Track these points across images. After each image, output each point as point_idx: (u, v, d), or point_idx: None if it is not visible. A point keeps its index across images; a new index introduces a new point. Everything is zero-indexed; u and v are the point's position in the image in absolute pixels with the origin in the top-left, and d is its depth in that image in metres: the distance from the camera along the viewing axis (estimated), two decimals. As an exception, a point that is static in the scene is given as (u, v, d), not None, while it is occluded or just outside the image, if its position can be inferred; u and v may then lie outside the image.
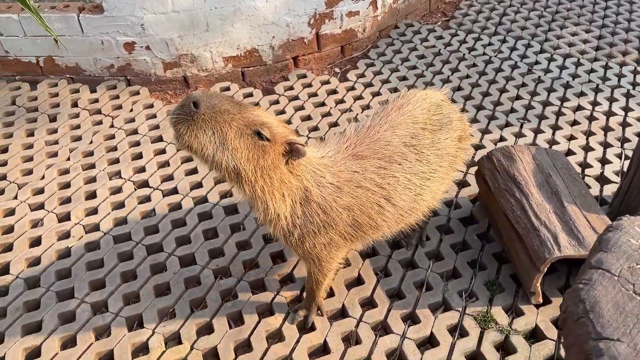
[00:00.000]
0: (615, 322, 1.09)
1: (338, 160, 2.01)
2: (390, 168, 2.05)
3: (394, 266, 2.56)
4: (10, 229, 2.79)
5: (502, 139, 3.34)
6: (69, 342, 2.29)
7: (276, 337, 2.31)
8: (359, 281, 2.53)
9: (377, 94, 3.80)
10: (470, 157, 2.99)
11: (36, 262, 2.62)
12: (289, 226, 1.92)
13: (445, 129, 2.22)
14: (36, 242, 2.73)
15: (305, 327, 2.31)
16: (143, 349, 2.27)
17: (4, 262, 2.61)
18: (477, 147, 3.27)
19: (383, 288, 2.46)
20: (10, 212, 2.89)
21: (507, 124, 3.47)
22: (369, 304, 2.44)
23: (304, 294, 2.41)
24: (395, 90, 3.83)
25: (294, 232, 1.94)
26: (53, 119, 3.59)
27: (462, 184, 3.01)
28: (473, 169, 3.05)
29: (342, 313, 2.40)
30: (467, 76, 3.97)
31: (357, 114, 3.57)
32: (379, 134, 2.11)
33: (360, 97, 3.77)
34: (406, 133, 2.12)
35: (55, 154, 3.29)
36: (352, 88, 3.88)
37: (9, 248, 2.69)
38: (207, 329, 2.34)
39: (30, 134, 3.46)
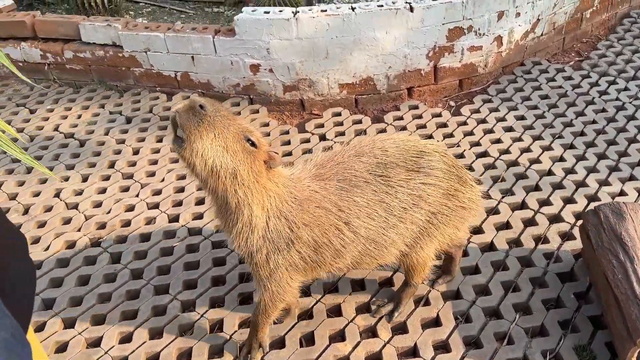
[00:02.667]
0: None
1: (302, 178, 2.04)
2: (352, 192, 2.03)
3: (477, 313, 2.45)
4: (127, 223, 3.13)
5: (622, 193, 3.05)
6: (157, 334, 2.50)
7: (343, 364, 2.32)
8: (436, 322, 2.46)
9: (490, 131, 3.68)
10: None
11: (143, 256, 2.90)
12: (260, 240, 1.96)
13: (424, 173, 2.11)
14: (146, 238, 3.02)
15: None
16: (218, 351, 2.41)
17: (117, 252, 2.92)
18: (591, 199, 3.02)
19: (460, 333, 2.36)
20: (131, 208, 3.24)
21: (631, 178, 3.16)
22: (442, 347, 2.36)
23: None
24: (510, 129, 3.68)
25: (262, 248, 1.97)
26: (180, 128, 3.96)
27: (567, 236, 2.80)
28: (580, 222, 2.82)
29: (414, 352, 2.34)
30: (593, 121, 3.68)
31: (464, 150, 3.48)
32: (343, 158, 2.12)
33: (470, 133, 3.68)
34: (372, 161, 2.09)
35: (176, 160, 3.62)
36: (464, 123, 3.79)
37: (123, 240, 3.01)
38: (279, 344, 2.42)
39: (159, 140, 3.85)
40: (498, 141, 3.58)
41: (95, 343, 2.47)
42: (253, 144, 1.81)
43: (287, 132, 3.82)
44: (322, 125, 3.86)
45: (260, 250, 1.99)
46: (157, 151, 3.74)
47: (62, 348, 2.46)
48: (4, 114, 4.25)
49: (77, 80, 4.53)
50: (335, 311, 2.54)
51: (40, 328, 2.54)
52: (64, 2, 5.10)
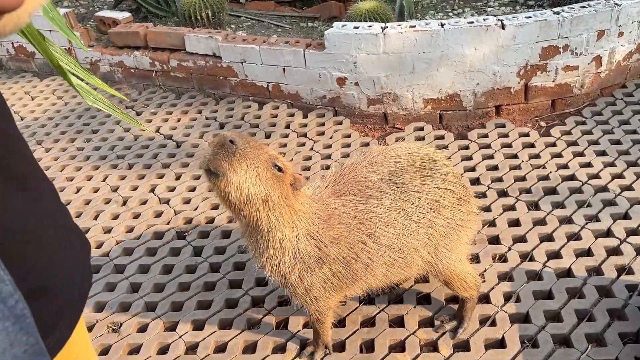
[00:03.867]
0: None
1: (322, 197, 2.10)
2: (369, 203, 2.07)
3: (545, 339, 2.36)
4: (211, 220, 3.34)
5: None
6: (227, 325, 2.66)
7: (400, 374, 2.33)
8: (501, 344, 2.40)
9: (580, 154, 3.51)
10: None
11: (222, 251, 3.09)
12: (291, 262, 2.01)
13: (437, 178, 2.16)
14: (227, 235, 3.21)
15: None
16: (282, 348, 2.51)
17: (200, 246, 3.14)
18: (688, 232, 2.80)
19: (525, 358, 2.29)
20: (215, 207, 3.45)
21: None
22: (505, 370, 2.30)
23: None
24: (602, 153, 3.49)
25: (294, 269, 2.02)
26: (268, 135, 4.17)
27: (655, 269, 2.61)
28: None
29: (474, 371, 2.30)
30: (700, 149, 3.40)
31: (550, 172, 3.35)
32: (355, 171, 2.16)
33: (559, 155, 3.53)
34: (385, 170, 2.14)
35: (261, 165, 3.81)
36: (553, 145, 3.65)
37: (206, 235, 3.22)
38: (339, 347, 2.48)
39: (247, 145, 4.07)
40: (588, 165, 3.41)
41: (172, 327, 2.67)
42: (280, 169, 1.88)
43: (367, 144, 3.89)
44: (402, 139, 3.89)
45: (292, 272, 2.04)
46: (244, 156, 3.95)
47: (143, 329, 2.69)
48: (114, 116, 4.69)
49: (179, 87, 4.91)
50: (398, 322, 2.56)
51: (126, 309, 2.80)
52: (174, 15, 5.55)
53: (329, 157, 3.81)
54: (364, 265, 2.13)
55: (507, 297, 2.59)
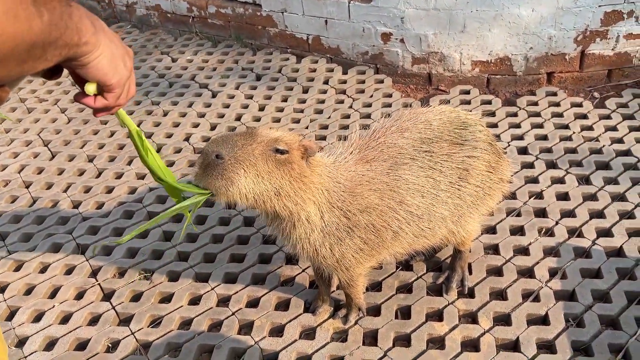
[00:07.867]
0: None
1: (348, 164, 1.97)
2: (400, 170, 1.98)
3: (591, 319, 2.25)
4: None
5: None
6: (260, 280, 2.60)
7: (437, 343, 2.26)
8: (544, 321, 2.30)
9: (637, 129, 3.31)
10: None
11: (256, 206, 3.02)
12: (320, 235, 1.92)
13: (469, 146, 2.06)
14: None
15: (344, 325, 2.33)
16: (314, 308, 2.45)
17: (233, 198, 3.07)
18: None
19: (569, 337, 2.19)
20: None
21: None
22: (547, 347, 2.20)
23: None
24: (661, 129, 3.29)
25: (324, 242, 1.93)
26: (305, 91, 4.03)
27: None
28: None
29: (515, 346, 2.21)
30: None
31: (603, 146, 3.17)
32: (384, 137, 2.04)
33: (613, 129, 3.34)
34: (415, 137, 2.03)
35: (298, 121, 3.70)
36: (607, 117, 3.45)
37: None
38: (374, 311, 2.41)
39: (284, 100, 3.95)
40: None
41: (204, 278, 2.63)
42: (283, 152, 1.75)
43: (410, 106, 3.73)
44: (447, 102, 3.72)
45: (323, 245, 1.96)
46: (281, 110, 3.84)
47: (174, 278, 2.65)
48: (149, 60, 4.60)
49: (216, 35, 4.78)
50: (436, 290, 2.47)
51: (158, 257, 2.76)
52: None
53: (368, 116, 3.67)
54: (393, 234, 2.05)
55: (553, 273, 2.47)
